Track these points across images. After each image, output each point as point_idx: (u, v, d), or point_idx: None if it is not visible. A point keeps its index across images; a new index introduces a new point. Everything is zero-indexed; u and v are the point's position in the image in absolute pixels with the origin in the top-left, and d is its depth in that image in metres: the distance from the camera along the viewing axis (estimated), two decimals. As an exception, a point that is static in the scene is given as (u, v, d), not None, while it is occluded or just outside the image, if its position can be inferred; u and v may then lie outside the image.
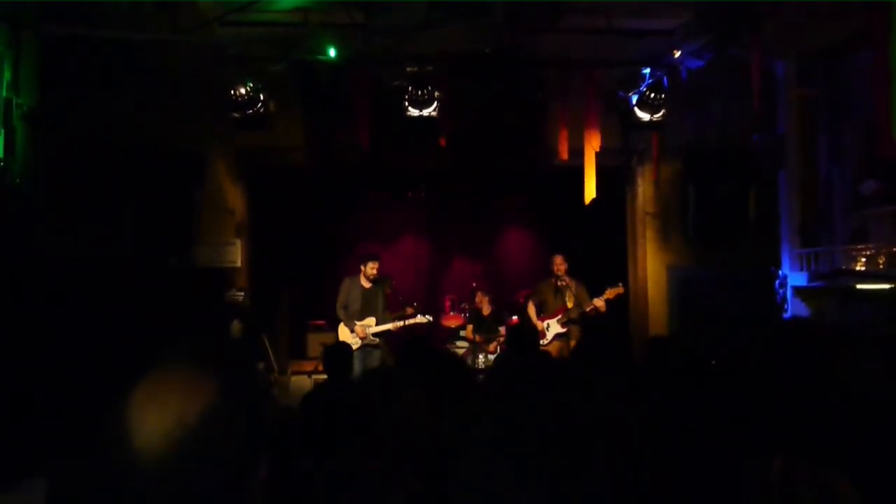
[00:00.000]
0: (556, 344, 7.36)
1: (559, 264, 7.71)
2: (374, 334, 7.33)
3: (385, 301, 7.57)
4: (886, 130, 4.79)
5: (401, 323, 7.42)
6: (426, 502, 1.74)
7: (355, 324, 7.27)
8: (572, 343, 7.37)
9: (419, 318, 7.53)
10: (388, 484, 1.79)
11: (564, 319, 7.57)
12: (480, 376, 7.44)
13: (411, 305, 7.84)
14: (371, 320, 7.34)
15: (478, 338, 8.11)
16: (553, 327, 7.56)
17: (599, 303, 7.48)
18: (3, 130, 5.51)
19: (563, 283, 7.67)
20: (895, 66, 4.65)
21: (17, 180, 5.58)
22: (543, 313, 7.78)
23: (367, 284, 7.42)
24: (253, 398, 1.07)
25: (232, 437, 0.99)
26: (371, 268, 7.39)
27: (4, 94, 5.55)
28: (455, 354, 7.62)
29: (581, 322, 7.58)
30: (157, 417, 0.96)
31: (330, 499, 1.82)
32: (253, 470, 1.01)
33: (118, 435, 0.96)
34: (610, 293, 7.55)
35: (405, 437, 2.03)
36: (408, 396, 2.33)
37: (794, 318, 6.38)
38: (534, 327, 7.11)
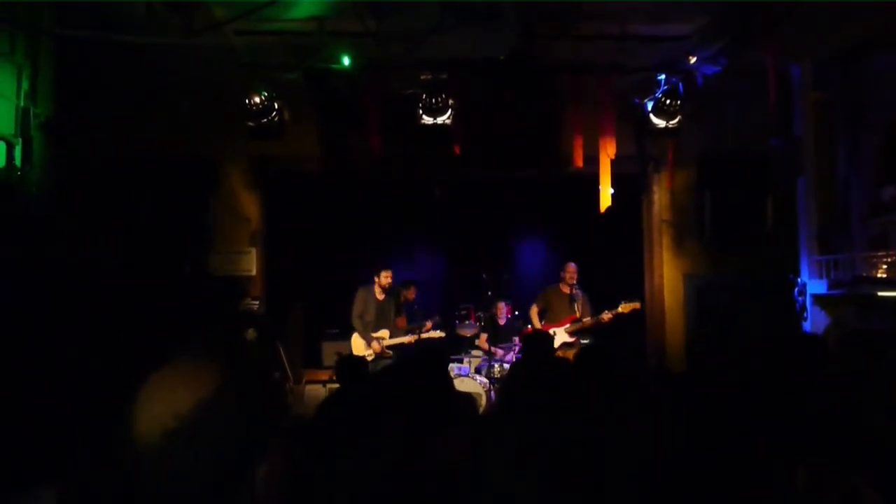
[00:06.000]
0: (561, 353, 7.30)
1: (571, 272, 7.67)
2: (388, 347, 7.31)
3: (399, 313, 7.55)
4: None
5: (414, 337, 7.39)
6: None
7: (372, 337, 7.25)
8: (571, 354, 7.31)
9: (432, 333, 7.50)
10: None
11: (573, 329, 7.50)
12: (496, 385, 7.40)
13: (431, 319, 7.77)
14: (385, 332, 7.33)
15: (492, 347, 8.06)
16: (560, 335, 7.49)
17: (610, 315, 7.43)
18: (20, 140, 5.58)
19: (574, 293, 7.62)
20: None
21: (35, 189, 5.64)
22: (546, 320, 7.73)
23: (381, 296, 7.41)
24: (255, 395, 1.06)
25: (229, 432, 0.97)
26: (385, 277, 7.38)
27: (22, 103, 5.62)
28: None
29: (591, 333, 7.50)
30: (155, 411, 0.96)
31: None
32: (252, 467, 1.00)
33: (124, 429, 0.97)
34: (625, 307, 7.46)
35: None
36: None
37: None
38: (548, 334, 7.07)
